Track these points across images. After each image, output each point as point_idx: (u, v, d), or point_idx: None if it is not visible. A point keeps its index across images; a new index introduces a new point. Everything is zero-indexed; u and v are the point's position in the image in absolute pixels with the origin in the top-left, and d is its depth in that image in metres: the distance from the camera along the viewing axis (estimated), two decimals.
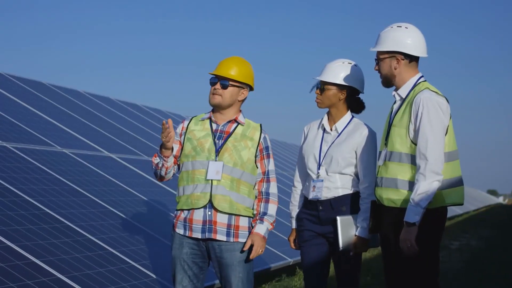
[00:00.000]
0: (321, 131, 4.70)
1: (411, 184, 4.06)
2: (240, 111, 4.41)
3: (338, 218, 4.47)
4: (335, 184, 4.54)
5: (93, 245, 5.66)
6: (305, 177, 4.75)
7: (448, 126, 4.08)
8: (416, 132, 4.04)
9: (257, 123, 4.43)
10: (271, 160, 4.41)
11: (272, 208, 4.37)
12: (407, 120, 4.09)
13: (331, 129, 4.65)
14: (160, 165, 4.26)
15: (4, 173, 6.21)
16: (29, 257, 4.87)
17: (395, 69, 4.20)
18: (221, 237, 4.20)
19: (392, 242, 4.15)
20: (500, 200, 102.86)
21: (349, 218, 4.49)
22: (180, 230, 4.26)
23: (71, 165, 7.51)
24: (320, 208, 4.55)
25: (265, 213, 4.34)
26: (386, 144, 4.21)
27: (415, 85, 4.19)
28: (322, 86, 4.59)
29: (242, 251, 4.23)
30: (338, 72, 4.56)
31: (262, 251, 4.27)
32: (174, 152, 4.33)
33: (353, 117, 4.67)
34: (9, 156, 6.74)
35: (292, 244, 4.82)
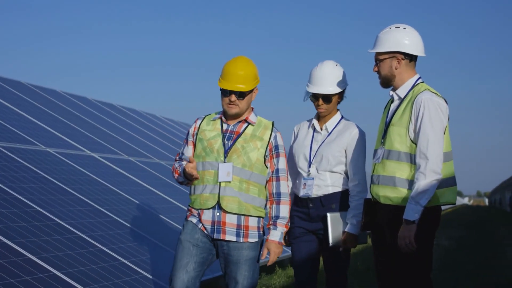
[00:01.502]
0: (311, 131, 4.81)
1: (409, 183, 4.16)
2: (252, 109, 4.41)
3: (328, 214, 4.59)
4: (326, 182, 4.66)
5: (84, 242, 5.77)
6: (295, 176, 4.83)
7: (446, 127, 4.22)
8: (416, 132, 4.14)
9: (269, 121, 4.42)
10: (282, 158, 4.39)
11: (284, 210, 4.39)
12: (407, 119, 4.18)
13: (321, 129, 4.77)
14: (185, 183, 4.37)
15: None
16: (25, 253, 4.97)
17: (396, 69, 4.29)
18: (230, 237, 4.23)
19: (388, 239, 4.25)
20: (466, 201, 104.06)
21: (339, 214, 4.63)
22: (193, 220, 4.30)
23: (56, 164, 7.60)
24: (311, 205, 4.67)
25: (277, 217, 4.37)
26: (383, 143, 4.30)
27: (413, 86, 4.28)
28: (329, 97, 4.68)
29: (252, 255, 4.29)
30: (337, 79, 4.68)
31: (277, 256, 4.37)
32: (191, 154, 4.39)
33: (342, 117, 4.82)
34: None
35: (283, 241, 4.94)
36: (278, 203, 4.38)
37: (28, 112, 9.41)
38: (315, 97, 4.70)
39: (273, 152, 4.35)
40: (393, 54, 4.27)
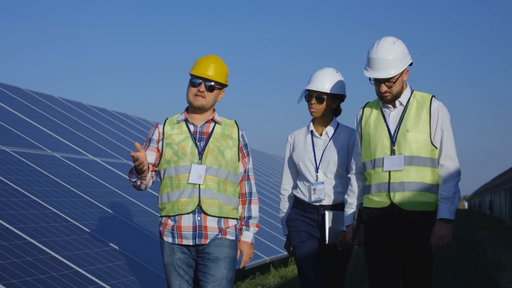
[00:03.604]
0: (309, 137, 4.90)
1: (435, 187, 4.30)
2: (214, 110, 4.31)
3: (326, 212, 4.69)
4: (336, 188, 4.76)
5: (99, 242, 6.15)
6: (296, 183, 4.94)
7: None
8: (437, 137, 4.30)
9: (231, 120, 4.33)
10: (250, 157, 4.33)
11: (255, 209, 4.32)
12: (427, 126, 4.31)
13: (321, 134, 4.88)
14: (138, 183, 4.17)
15: (11, 175, 6.65)
16: (50, 252, 5.34)
17: (404, 80, 4.41)
18: (211, 240, 4.11)
19: (410, 244, 4.35)
20: None
21: (336, 213, 4.68)
22: (168, 239, 4.14)
23: (64, 168, 7.96)
24: (323, 212, 4.73)
25: (250, 217, 4.29)
26: (395, 150, 4.33)
27: (411, 92, 4.43)
28: (321, 96, 4.78)
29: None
30: (334, 82, 4.79)
31: (250, 258, 4.28)
32: (152, 161, 4.21)
33: (338, 123, 4.94)
34: (10, 160, 7.17)
35: (289, 252, 5.00)
36: (250, 203, 4.30)
37: (31, 118, 9.75)
38: (309, 96, 4.81)
39: (244, 151, 4.28)
40: (404, 70, 4.37)
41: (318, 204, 4.78)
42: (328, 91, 4.78)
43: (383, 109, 4.46)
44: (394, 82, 4.31)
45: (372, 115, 4.49)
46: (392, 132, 4.37)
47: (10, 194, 6.14)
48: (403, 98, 4.40)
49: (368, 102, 4.60)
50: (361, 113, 4.56)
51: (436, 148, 4.32)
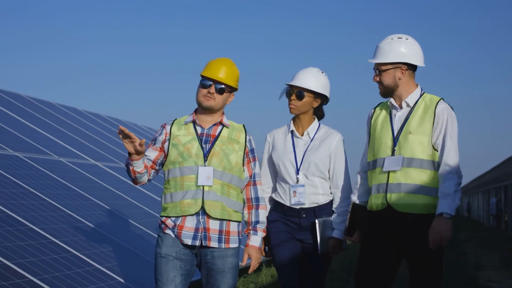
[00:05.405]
0: (289, 137, 4.69)
1: (433, 190, 4.18)
2: (223, 113, 4.29)
3: (316, 221, 4.52)
4: (317, 190, 4.58)
5: (111, 241, 6.65)
6: (275, 184, 4.73)
7: None
8: (441, 139, 4.19)
9: (239, 124, 4.31)
10: (257, 162, 4.28)
11: (263, 214, 4.26)
12: (430, 128, 4.20)
13: (302, 135, 4.68)
14: (129, 167, 4.10)
15: (27, 180, 7.11)
16: (72, 250, 5.83)
17: (400, 79, 4.28)
18: (214, 243, 4.05)
19: (409, 246, 4.22)
20: None
21: (326, 221, 4.55)
22: (171, 233, 4.08)
23: (71, 173, 8.42)
24: (304, 216, 4.56)
25: (257, 222, 4.23)
26: (396, 151, 4.24)
27: (421, 95, 4.32)
28: (301, 93, 4.59)
29: (231, 262, 4.12)
30: (317, 80, 4.61)
31: (258, 263, 4.21)
32: (152, 158, 4.18)
33: (319, 124, 4.74)
34: (23, 165, 7.63)
35: (263, 253, 4.64)
36: (257, 208, 4.25)
37: (35, 123, 10.19)
38: (290, 93, 4.63)
39: (250, 156, 4.25)
40: (396, 65, 4.27)
41: (298, 207, 4.59)
42: (309, 88, 4.59)
43: (391, 110, 4.38)
44: (381, 72, 4.28)
45: (381, 115, 4.42)
46: (395, 132, 4.29)
47: (30, 198, 6.61)
48: (411, 100, 4.30)
49: (381, 102, 4.51)
50: (372, 112, 4.50)
51: (437, 150, 4.21)
